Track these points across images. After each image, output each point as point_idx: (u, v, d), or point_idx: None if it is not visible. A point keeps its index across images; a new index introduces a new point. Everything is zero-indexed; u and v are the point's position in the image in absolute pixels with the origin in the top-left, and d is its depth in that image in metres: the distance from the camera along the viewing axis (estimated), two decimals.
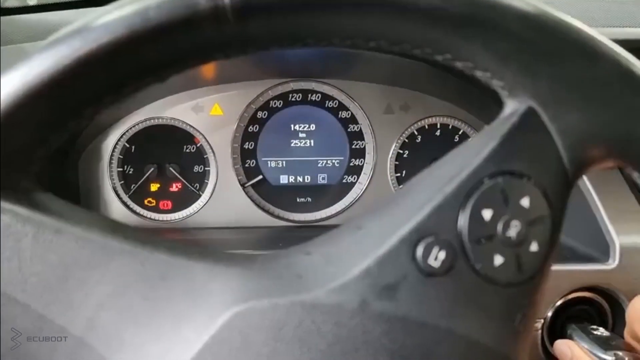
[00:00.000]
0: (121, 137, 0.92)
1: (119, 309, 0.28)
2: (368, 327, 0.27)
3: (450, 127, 0.97)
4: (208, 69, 0.87)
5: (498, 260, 0.29)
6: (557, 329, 0.62)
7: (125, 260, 0.29)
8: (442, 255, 0.28)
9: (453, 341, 0.28)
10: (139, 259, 0.29)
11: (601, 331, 0.58)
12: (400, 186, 0.97)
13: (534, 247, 0.30)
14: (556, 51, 0.30)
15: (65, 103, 0.29)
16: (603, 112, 0.31)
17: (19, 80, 0.28)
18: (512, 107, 0.31)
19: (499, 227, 0.29)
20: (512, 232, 0.29)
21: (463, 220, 0.29)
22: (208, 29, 0.28)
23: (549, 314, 0.63)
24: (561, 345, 0.58)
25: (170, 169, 0.93)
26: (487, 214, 0.29)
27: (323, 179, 0.98)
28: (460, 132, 0.97)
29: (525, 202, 0.29)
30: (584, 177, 0.68)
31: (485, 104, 0.90)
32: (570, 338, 0.60)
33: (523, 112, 0.30)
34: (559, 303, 0.63)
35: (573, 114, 0.30)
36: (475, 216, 0.29)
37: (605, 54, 0.30)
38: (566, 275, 0.63)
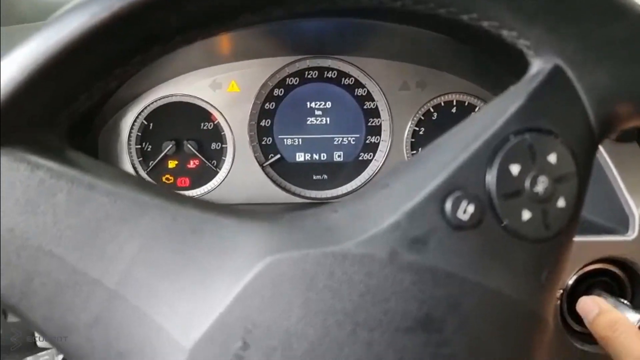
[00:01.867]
0: (139, 114, 0.92)
1: (151, 262, 0.29)
2: (398, 278, 0.27)
3: (466, 104, 0.96)
4: (225, 45, 0.88)
5: (526, 215, 0.29)
6: (576, 300, 0.63)
7: (156, 214, 0.29)
8: (470, 208, 0.28)
9: (481, 293, 0.28)
10: (170, 214, 0.29)
11: (621, 301, 0.59)
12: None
13: (561, 203, 0.30)
14: (583, 8, 0.30)
15: (96, 62, 0.30)
16: (629, 70, 0.31)
17: (53, 37, 0.28)
18: (539, 66, 0.31)
19: (527, 182, 0.29)
20: (540, 187, 0.29)
21: (491, 175, 0.29)
22: None
23: (570, 282, 0.63)
24: (586, 301, 0.56)
25: (188, 145, 0.93)
26: (514, 169, 0.29)
27: (339, 156, 0.98)
28: (476, 110, 0.96)
29: (552, 158, 0.30)
30: (602, 150, 0.68)
31: (502, 80, 0.89)
32: None
33: (549, 70, 0.31)
34: (578, 274, 0.63)
35: (600, 71, 0.30)
36: (503, 171, 0.29)
37: (632, 11, 0.30)
38: (585, 247, 0.63)
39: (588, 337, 0.62)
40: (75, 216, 0.29)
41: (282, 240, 0.29)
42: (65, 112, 0.31)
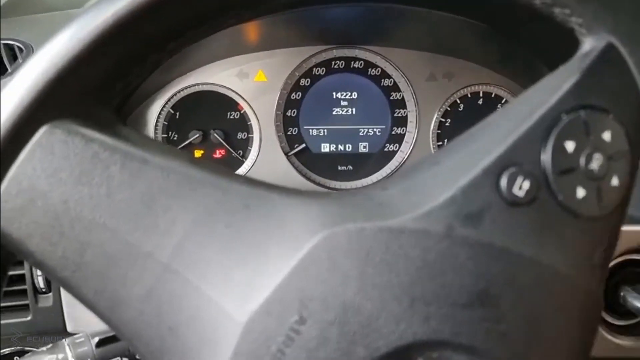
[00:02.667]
0: (166, 103, 0.93)
1: (204, 236, 0.29)
2: (454, 252, 0.27)
3: (493, 95, 0.96)
4: (252, 35, 0.88)
5: (580, 192, 0.29)
6: (609, 290, 0.62)
7: (208, 189, 0.29)
8: (526, 185, 0.28)
9: (536, 269, 0.28)
10: (221, 189, 0.29)
11: None
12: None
13: (614, 181, 0.29)
14: None
15: (150, 36, 0.30)
16: None
17: (109, 11, 0.28)
18: (591, 44, 0.31)
19: (582, 159, 0.29)
20: (595, 164, 0.29)
21: (546, 152, 0.29)
22: None
23: None
24: None
25: (215, 135, 0.93)
26: (569, 145, 0.29)
27: (364, 147, 0.98)
28: (503, 101, 0.96)
29: (606, 135, 0.29)
30: None
31: (529, 71, 0.89)
32: (624, 299, 0.60)
33: (603, 48, 0.30)
34: (612, 264, 0.62)
35: None
36: (558, 148, 0.29)
37: None
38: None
39: (623, 329, 0.61)
40: (129, 189, 0.29)
41: (336, 215, 0.29)
42: (118, 86, 0.31)
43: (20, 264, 0.70)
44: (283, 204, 0.30)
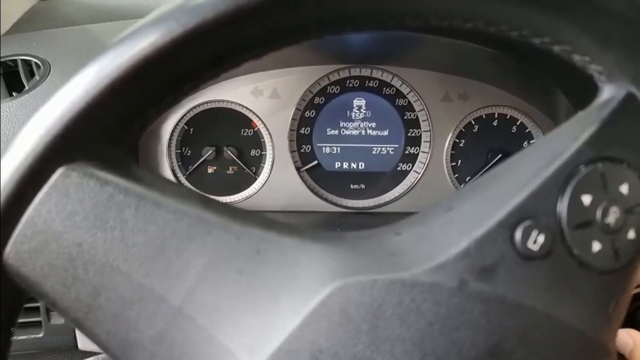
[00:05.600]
0: (180, 119, 0.93)
1: (216, 281, 0.29)
2: (467, 307, 0.27)
3: (508, 117, 0.95)
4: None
5: (596, 246, 0.29)
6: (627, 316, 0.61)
7: (220, 233, 0.29)
8: (541, 239, 0.28)
9: (549, 324, 0.28)
10: (234, 233, 0.29)
11: None
12: (464, 183, 0.96)
13: (631, 234, 0.29)
14: None
15: (166, 78, 0.30)
16: None
17: (126, 55, 0.28)
18: (611, 93, 0.31)
19: (598, 213, 0.29)
20: (611, 218, 0.29)
21: (562, 205, 0.28)
22: (310, 5, 0.28)
23: None
24: (623, 335, 0.54)
25: (228, 152, 0.94)
26: (586, 199, 0.29)
27: (377, 166, 0.97)
28: (518, 123, 0.95)
29: (624, 188, 0.29)
30: None
31: (545, 94, 0.88)
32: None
33: (623, 97, 0.30)
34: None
35: None
36: (575, 201, 0.28)
37: None
38: None
39: None
40: (142, 233, 0.29)
41: (348, 264, 0.28)
42: (133, 126, 0.31)
43: None
44: (295, 249, 0.29)
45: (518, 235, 0.28)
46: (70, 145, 0.29)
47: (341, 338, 0.27)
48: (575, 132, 0.30)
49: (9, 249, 0.29)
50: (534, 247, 0.28)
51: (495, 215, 0.28)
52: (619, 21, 0.29)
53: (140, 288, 0.29)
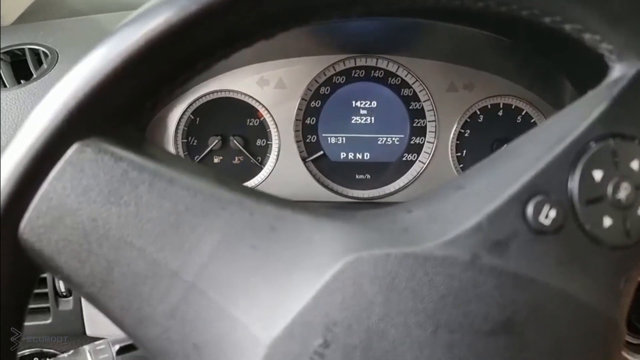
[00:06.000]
0: (187, 108, 0.93)
1: (230, 257, 0.29)
2: (480, 281, 0.27)
3: (513, 107, 0.95)
4: (274, 43, 0.88)
5: (607, 222, 0.29)
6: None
7: (234, 209, 0.29)
8: (552, 213, 0.28)
9: (561, 299, 0.28)
10: (248, 209, 0.30)
11: None
12: (464, 170, 0.96)
13: None
14: None
15: (180, 56, 0.30)
16: None
17: (140, 32, 0.28)
18: (621, 71, 0.31)
19: (609, 188, 0.29)
20: (622, 194, 0.29)
21: (573, 181, 0.29)
22: None
23: None
24: None
25: (234, 141, 0.94)
26: (597, 174, 0.29)
27: (383, 156, 0.98)
28: (523, 113, 0.95)
29: (635, 164, 0.29)
30: None
31: (551, 83, 0.88)
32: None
33: (633, 75, 0.30)
34: None
35: None
36: (586, 176, 0.29)
37: None
38: None
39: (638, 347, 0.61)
40: (156, 209, 0.29)
41: (361, 239, 0.29)
42: (147, 105, 0.31)
43: None
44: (309, 226, 0.30)
45: (530, 210, 0.28)
46: (85, 121, 0.29)
47: (354, 311, 0.27)
48: (586, 110, 0.30)
49: (24, 223, 0.29)
50: (546, 222, 0.28)
51: (506, 191, 0.28)
52: (630, 0, 0.29)
53: (154, 263, 0.29)
